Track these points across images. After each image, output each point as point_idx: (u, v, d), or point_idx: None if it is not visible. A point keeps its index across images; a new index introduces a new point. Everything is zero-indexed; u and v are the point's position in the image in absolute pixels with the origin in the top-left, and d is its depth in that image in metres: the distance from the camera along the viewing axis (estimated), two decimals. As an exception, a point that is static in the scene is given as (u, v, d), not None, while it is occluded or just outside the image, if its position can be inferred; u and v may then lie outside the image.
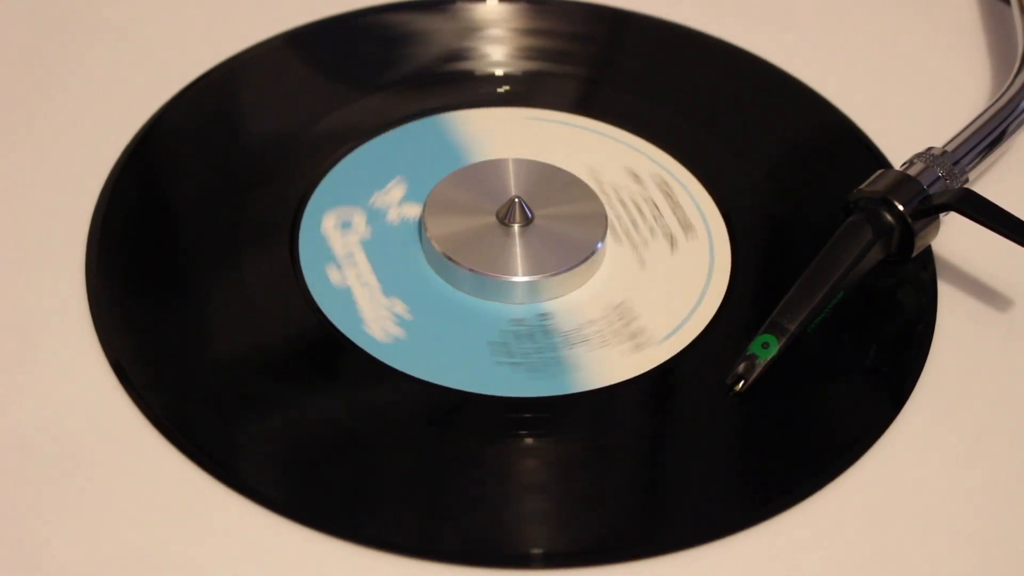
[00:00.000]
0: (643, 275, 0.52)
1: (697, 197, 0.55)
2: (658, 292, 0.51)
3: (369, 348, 0.49)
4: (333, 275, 0.51)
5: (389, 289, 0.51)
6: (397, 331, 0.49)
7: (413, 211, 0.53)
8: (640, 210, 0.54)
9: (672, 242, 0.53)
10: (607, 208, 0.53)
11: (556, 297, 0.51)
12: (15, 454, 0.46)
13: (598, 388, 0.48)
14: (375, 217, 0.53)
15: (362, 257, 0.52)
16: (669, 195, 0.55)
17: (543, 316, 0.50)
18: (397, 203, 0.54)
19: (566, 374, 0.49)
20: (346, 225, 0.53)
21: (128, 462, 0.46)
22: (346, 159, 0.55)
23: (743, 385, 0.48)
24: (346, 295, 0.50)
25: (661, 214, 0.54)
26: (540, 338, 0.50)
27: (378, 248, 0.52)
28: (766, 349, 0.48)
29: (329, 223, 0.53)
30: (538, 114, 0.58)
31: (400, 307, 0.50)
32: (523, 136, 0.57)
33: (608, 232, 0.52)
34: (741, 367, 0.48)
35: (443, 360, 0.49)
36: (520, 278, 0.51)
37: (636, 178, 0.55)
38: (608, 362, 0.49)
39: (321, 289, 0.51)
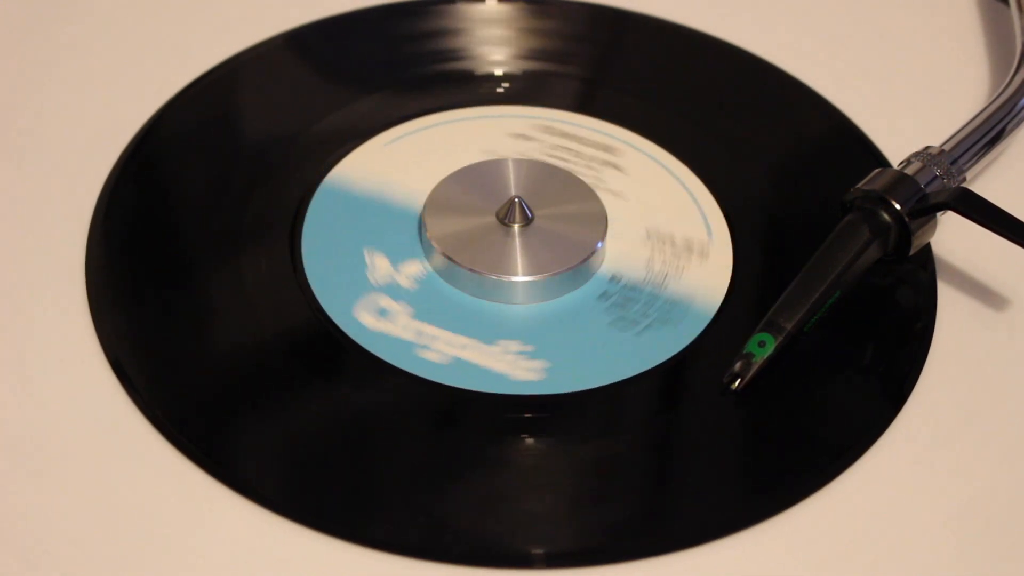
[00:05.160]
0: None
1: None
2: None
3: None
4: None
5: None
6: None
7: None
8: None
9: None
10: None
11: (556, 297, 0.51)
12: (13, 452, 0.46)
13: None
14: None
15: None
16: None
17: (618, 283, 0.51)
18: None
19: (689, 306, 0.50)
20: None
21: (127, 461, 0.46)
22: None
23: (739, 384, 0.48)
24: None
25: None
26: (638, 298, 0.51)
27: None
28: (762, 348, 0.48)
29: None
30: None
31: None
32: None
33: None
34: (737, 366, 0.48)
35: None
36: (520, 278, 0.51)
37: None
38: (700, 276, 0.51)
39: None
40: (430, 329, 0.50)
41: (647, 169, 0.56)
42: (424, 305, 0.51)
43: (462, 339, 0.50)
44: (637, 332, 0.50)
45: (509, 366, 0.49)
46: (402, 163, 0.55)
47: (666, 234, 0.53)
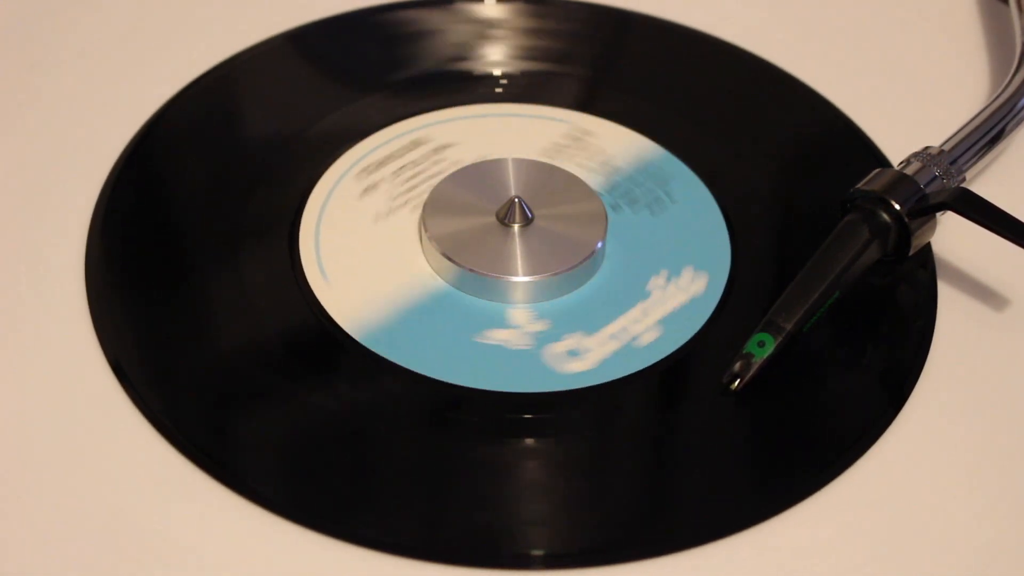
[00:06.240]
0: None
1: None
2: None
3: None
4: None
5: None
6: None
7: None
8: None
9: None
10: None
11: (556, 297, 0.51)
12: (13, 452, 0.46)
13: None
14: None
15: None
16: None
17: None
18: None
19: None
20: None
21: (127, 461, 0.46)
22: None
23: (739, 384, 0.48)
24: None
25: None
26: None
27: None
28: (762, 348, 0.48)
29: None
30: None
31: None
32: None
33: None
34: (737, 366, 0.48)
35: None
36: (520, 278, 0.51)
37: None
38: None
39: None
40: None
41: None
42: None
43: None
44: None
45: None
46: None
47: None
